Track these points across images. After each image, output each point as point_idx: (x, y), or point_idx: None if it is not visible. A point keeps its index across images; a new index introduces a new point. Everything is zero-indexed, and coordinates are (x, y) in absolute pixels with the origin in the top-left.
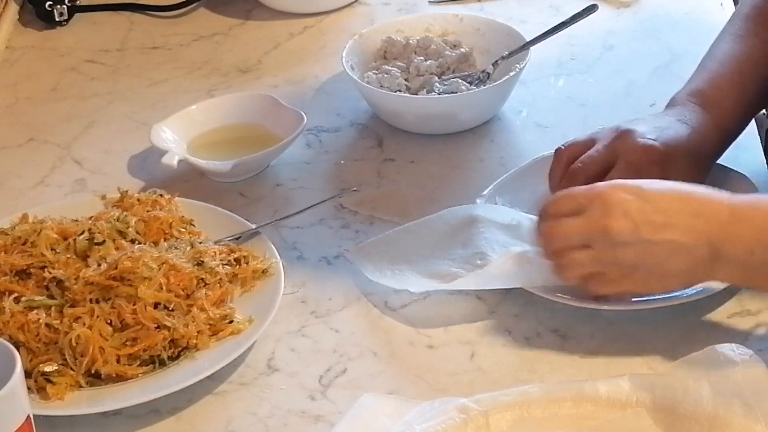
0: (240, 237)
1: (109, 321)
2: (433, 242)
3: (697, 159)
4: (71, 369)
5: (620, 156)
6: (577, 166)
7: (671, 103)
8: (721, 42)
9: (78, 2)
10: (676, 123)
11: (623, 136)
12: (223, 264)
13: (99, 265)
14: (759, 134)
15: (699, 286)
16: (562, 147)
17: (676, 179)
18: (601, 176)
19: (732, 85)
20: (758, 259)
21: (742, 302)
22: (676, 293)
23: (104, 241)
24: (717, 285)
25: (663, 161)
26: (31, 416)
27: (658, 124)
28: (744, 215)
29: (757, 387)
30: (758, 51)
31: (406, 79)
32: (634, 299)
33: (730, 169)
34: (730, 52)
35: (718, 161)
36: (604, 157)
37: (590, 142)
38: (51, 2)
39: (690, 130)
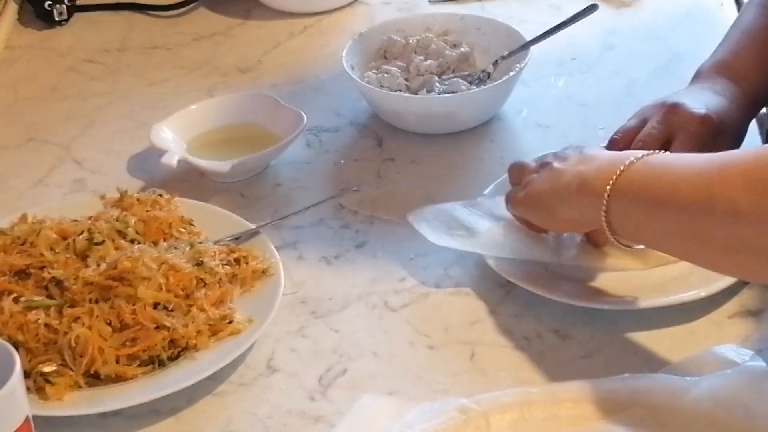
0: (240, 237)
1: (108, 321)
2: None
3: (738, 127)
4: (70, 369)
5: (679, 129)
6: (638, 146)
7: (697, 76)
8: (746, 12)
9: (77, 2)
10: (714, 95)
11: (675, 110)
12: (222, 264)
13: (98, 265)
14: (759, 134)
15: (697, 283)
16: (616, 136)
17: (721, 148)
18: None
19: (757, 56)
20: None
21: (742, 302)
22: (677, 294)
23: (104, 241)
24: (718, 285)
25: (718, 130)
26: (30, 417)
27: (699, 96)
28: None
29: (757, 387)
30: None
31: (406, 79)
32: (634, 299)
33: None
34: (754, 22)
35: None
36: (662, 132)
37: (641, 123)
38: (50, 2)
39: (728, 100)
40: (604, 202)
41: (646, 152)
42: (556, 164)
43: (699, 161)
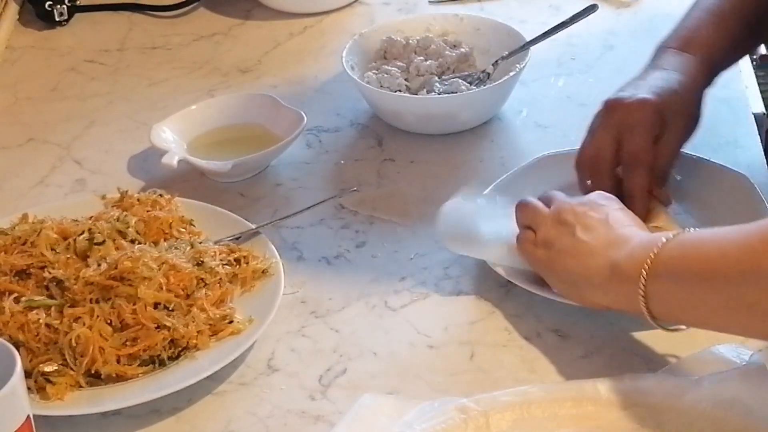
0: (240, 237)
1: (109, 321)
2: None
3: (688, 98)
4: (71, 369)
5: (622, 126)
6: (592, 160)
7: (653, 56)
8: None
9: (78, 2)
10: (659, 72)
11: (612, 107)
12: (223, 264)
13: (99, 265)
14: (759, 134)
15: None
16: (577, 159)
17: (676, 122)
18: (618, 158)
19: (711, 24)
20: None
21: None
22: None
23: (104, 241)
24: None
25: (658, 108)
26: (31, 416)
27: (638, 82)
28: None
29: (756, 387)
30: None
31: (406, 79)
32: None
33: (730, 168)
34: (706, 2)
35: (717, 161)
36: (609, 135)
37: (591, 137)
38: (51, 2)
39: (677, 74)
40: (642, 287)
41: (675, 232)
42: (580, 234)
43: (734, 233)
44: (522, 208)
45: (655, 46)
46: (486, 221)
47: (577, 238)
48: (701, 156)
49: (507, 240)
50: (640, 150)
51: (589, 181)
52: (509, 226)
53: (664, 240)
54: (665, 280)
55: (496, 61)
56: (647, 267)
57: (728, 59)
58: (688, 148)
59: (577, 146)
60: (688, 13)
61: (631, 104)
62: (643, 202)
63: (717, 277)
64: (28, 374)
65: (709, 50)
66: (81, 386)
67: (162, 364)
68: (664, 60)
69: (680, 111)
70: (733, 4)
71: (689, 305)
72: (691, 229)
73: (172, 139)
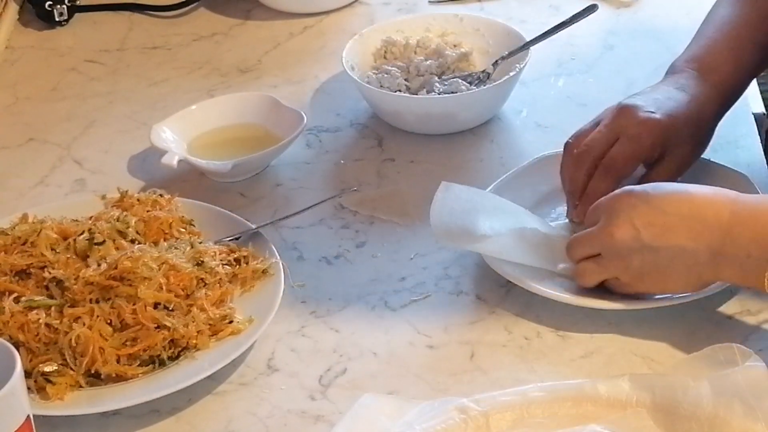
0: (240, 237)
1: (109, 321)
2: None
3: (698, 125)
4: (71, 369)
5: (622, 132)
6: (582, 149)
7: (670, 71)
8: (718, 8)
9: (78, 2)
10: (675, 92)
11: (624, 112)
12: (223, 264)
13: (99, 265)
14: (759, 134)
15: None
16: (570, 140)
17: (680, 148)
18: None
19: (729, 50)
20: (754, 261)
21: (742, 302)
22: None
23: (104, 241)
24: (719, 285)
25: (665, 132)
26: (31, 416)
27: (657, 96)
28: (744, 217)
29: (757, 387)
30: (754, 13)
31: (406, 79)
32: (634, 299)
33: (730, 168)
34: (726, 17)
35: (717, 161)
36: (606, 136)
37: (595, 126)
38: (51, 2)
39: (689, 97)
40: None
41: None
42: (653, 242)
43: None
44: (572, 245)
45: (677, 59)
46: (480, 214)
47: (654, 250)
48: (702, 156)
49: (504, 233)
50: (621, 159)
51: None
52: (504, 219)
53: None
54: None
55: (496, 61)
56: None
57: (743, 89)
58: None
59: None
60: (702, 29)
61: (642, 118)
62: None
63: None
64: (28, 374)
65: (725, 82)
66: (81, 386)
67: (162, 364)
68: (681, 80)
69: (686, 137)
70: (748, 27)
71: None
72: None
73: (172, 139)
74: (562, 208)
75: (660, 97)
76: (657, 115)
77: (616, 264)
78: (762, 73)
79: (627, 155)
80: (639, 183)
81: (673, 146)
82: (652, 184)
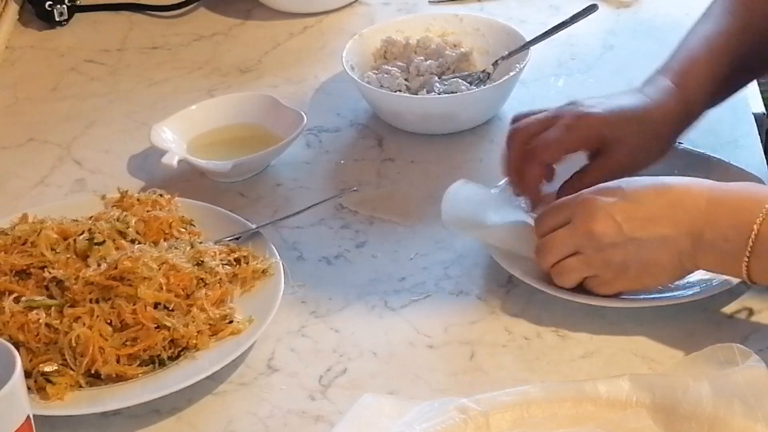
0: (240, 237)
1: (109, 321)
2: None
3: (658, 130)
4: (71, 369)
5: (557, 120)
6: (515, 128)
7: (646, 81)
8: (699, 23)
9: (78, 2)
10: (635, 96)
11: (567, 105)
12: (223, 264)
13: (99, 265)
14: (759, 134)
15: (697, 283)
16: (517, 127)
17: (621, 146)
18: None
19: (702, 62)
20: (733, 246)
21: (742, 302)
22: (677, 293)
23: (104, 241)
24: (719, 285)
25: (602, 126)
26: (31, 416)
27: (609, 98)
28: (720, 202)
29: (757, 387)
30: (730, 26)
31: (406, 79)
32: (634, 304)
33: (745, 170)
34: (704, 30)
35: (718, 158)
36: (542, 122)
37: (549, 122)
38: (51, 2)
39: (649, 101)
40: (745, 261)
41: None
42: (632, 232)
43: None
44: (543, 248)
45: (656, 70)
46: (492, 207)
47: (634, 239)
48: (718, 157)
49: (512, 224)
50: (547, 143)
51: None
52: (515, 213)
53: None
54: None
55: (496, 61)
56: (751, 244)
57: (716, 101)
58: (689, 145)
59: None
60: (686, 39)
61: (580, 111)
62: (530, 192)
63: None
64: (28, 374)
65: (696, 93)
66: (81, 386)
67: (162, 364)
68: (650, 87)
69: (630, 136)
70: (729, 40)
71: None
72: None
73: (172, 139)
74: None
75: (611, 98)
76: (596, 110)
77: (598, 259)
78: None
79: (553, 140)
80: (575, 176)
81: (612, 142)
82: (624, 179)
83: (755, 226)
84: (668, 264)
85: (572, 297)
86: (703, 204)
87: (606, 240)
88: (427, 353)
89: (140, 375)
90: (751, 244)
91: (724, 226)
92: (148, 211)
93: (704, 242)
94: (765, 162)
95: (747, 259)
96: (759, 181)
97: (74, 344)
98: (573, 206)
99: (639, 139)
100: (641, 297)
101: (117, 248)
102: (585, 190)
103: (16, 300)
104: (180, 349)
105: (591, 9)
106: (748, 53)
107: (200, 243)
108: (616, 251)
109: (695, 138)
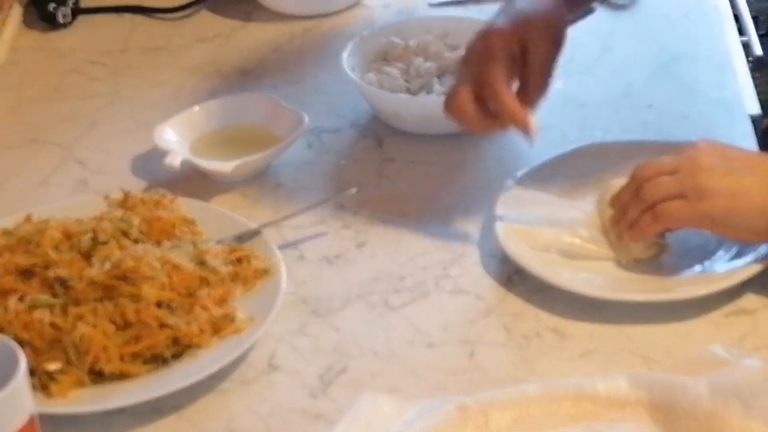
0: (241, 237)
1: (112, 320)
2: None
3: (551, 24)
4: (75, 367)
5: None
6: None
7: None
8: None
9: (81, 4)
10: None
11: (483, 31)
12: (224, 263)
13: (102, 264)
14: (755, 135)
15: (696, 285)
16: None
17: (537, 45)
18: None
19: None
20: None
21: (739, 301)
22: (673, 293)
23: (107, 241)
24: (718, 284)
25: (518, 35)
26: (35, 414)
27: (511, 10)
28: None
29: (754, 386)
30: None
31: (406, 81)
32: (635, 297)
33: None
34: None
35: None
36: (475, 45)
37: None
38: (54, 4)
39: (541, 7)
40: None
41: None
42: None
43: None
44: (650, 184)
45: None
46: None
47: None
48: None
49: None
50: (487, 48)
51: None
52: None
53: None
54: None
55: None
56: None
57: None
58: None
59: (576, 146)
60: None
61: (494, 31)
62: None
63: None
64: (32, 372)
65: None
66: (84, 384)
67: (164, 362)
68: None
69: (541, 35)
70: None
71: None
72: None
73: (175, 139)
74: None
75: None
76: (504, 25)
77: (690, 179)
78: (749, 55)
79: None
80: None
81: (530, 43)
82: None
83: None
84: (754, 208)
85: (572, 288)
86: None
87: (707, 164)
88: (426, 352)
89: (143, 373)
90: None
91: None
92: (151, 212)
93: None
94: None
95: None
96: None
97: (78, 343)
98: (679, 160)
99: (548, 37)
100: (641, 296)
101: (120, 248)
102: (687, 152)
103: (21, 299)
104: (182, 347)
105: (589, 11)
106: None
107: (202, 243)
108: (713, 174)
109: (693, 138)
